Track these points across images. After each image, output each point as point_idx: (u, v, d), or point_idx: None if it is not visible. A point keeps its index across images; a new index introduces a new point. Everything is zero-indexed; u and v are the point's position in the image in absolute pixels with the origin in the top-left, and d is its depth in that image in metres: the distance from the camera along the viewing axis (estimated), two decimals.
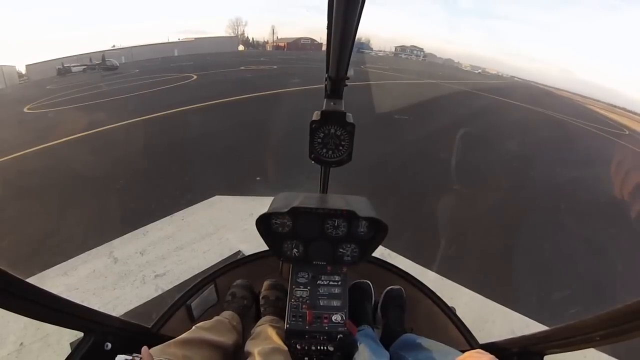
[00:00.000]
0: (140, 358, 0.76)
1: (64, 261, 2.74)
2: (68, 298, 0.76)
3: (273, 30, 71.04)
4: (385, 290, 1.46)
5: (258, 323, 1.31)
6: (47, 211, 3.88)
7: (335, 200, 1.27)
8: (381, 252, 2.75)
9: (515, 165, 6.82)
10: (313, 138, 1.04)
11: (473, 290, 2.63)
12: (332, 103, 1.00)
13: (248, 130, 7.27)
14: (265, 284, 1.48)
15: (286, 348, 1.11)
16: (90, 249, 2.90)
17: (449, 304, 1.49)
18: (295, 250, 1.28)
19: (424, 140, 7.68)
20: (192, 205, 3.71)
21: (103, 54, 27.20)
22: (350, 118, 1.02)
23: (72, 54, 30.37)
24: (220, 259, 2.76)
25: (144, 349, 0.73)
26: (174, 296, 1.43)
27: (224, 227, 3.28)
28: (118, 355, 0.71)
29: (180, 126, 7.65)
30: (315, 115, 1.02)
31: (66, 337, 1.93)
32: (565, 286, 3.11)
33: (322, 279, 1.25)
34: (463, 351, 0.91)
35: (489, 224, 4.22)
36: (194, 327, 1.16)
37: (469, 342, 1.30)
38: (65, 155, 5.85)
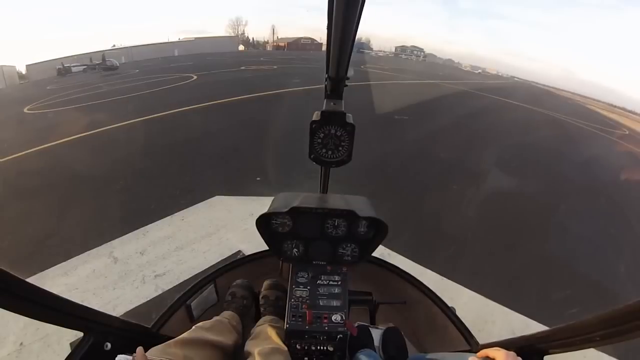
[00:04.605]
0: None
1: (64, 261, 2.74)
2: (68, 298, 0.76)
3: (273, 30, 71.13)
4: (383, 330, 1.44)
5: (258, 323, 1.31)
6: (47, 212, 3.88)
7: (335, 200, 1.27)
8: (381, 252, 2.74)
9: (514, 165, 6.82)
10: (313, 138, 1.03)
11: (473, 290, 2.63)
12: (332, 103, 0.99)
13: (248, 131, 7.28)
14: (265, 283, 1.48)
15: (286, 348, 1.11)
16: (90, 249, 2.90)
17: (449, 304, 1.49)
18: (295, 250, 1.28)
19: (423, 140, 7.68)
20: (192, 205, 3.71)
21: (103, 54, 27.21)
22: (350, 118, 1.02)
23: (72, 54, 30.43)
24: (220, 259, 2.76)
25: (139, 349, 0.73)
26: (174, 296, 1.43)
27: (224, 227, 3.27)
28: (118, 355, 0.71)
29: (181, 126, 7.65)
30: (315, 116, 1.02)
31: (66, 337, 1.93)
32: None
33: (322, 278, 1.25)
34: (464, 352, 0.90)
35: (490, 224, 4.23)
36: (194, 327, 1.16)
37: (469, 342, 1.30)
38: (66, 155, 5.84)
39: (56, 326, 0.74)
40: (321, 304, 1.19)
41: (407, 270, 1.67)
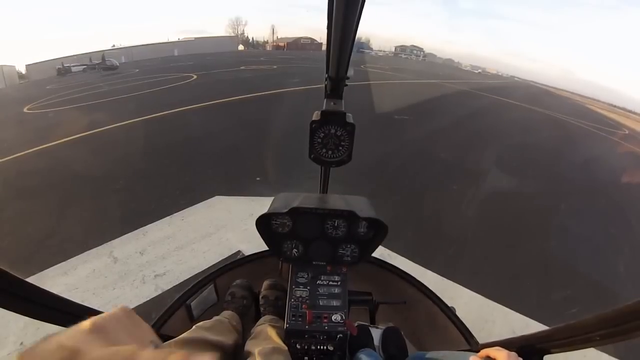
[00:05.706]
0: None
1: (64, 261, 2.74)
2: (68, 298, 0.76)
3: (273, 29, 71.17)
4: (383, 330, 1.43)
5: (258, 323, 1.31)
6: (46, 211, 3.88)
7: (335, 201, 1.27)
8: (381, 253, 2.75)
9: (514, 165, 6.82)
10: (313, 138, 1.03)
11: (473, 290, 2.63)
12: (332, 103, 0.99)
13: (248, 130, 7.28)
14: (265, 283, 1.48)
15: (286, 348, 1.11)
16: (90, 249, 2.90)
17: (449, 304, 1.49)
18: (295, 250, 1.28)
19: (423, 140, 7.68)
20: (191, 205, 3.71)
21: (103, 54, 27.21)
22: (350, 118, 1.01)
23: (72, 54, 30.46)
24: (220, 259, 2.76)
25: None
26: (174, 296, 1.43)
27: (224, 227, 3.27)
28: None
29: (181, 126, 7.65)
30: (315, 115, 1.01)
31: None
32: None
33: (322, 278, 1.25)
34: (465, 351, 0.90)
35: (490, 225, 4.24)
36: (193, 327, 1.16)
37: (469, 342, 1.30)
38: (66, 155, 5.84)
39: (56, 326, 0.74)
40: (321, 303, 1.19)
41: (407, 271, 1.67)
